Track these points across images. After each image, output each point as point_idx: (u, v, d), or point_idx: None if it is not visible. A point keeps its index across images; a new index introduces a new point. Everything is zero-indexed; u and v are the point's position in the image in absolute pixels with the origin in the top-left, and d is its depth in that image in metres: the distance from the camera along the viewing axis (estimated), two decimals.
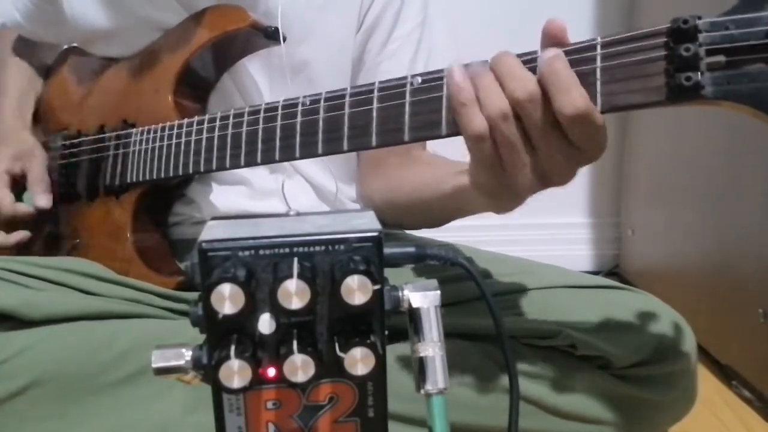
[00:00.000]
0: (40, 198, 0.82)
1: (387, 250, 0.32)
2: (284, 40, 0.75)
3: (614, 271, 1.79)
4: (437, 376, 0.33)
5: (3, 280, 0.64)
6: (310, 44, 0.80)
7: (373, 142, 0.54)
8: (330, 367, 0.32)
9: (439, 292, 0.33)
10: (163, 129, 0.73)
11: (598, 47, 0.45)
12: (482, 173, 0.50)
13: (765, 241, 1.08)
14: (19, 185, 0.84)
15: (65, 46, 0.95)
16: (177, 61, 0.76)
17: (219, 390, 0.31)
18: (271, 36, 0.74)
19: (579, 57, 0.46)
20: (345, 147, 0.56)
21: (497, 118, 0.46)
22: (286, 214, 0.37)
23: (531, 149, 0.47)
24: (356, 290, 0.30)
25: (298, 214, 0.38)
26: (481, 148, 0.48)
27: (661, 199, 1.54)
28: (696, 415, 0.71)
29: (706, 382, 1.16)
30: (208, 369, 0.31)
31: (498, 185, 0.50)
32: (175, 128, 0.71)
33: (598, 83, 0.45)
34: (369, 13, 0.83)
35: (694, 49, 0.42)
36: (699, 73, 0.42)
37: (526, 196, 0.52)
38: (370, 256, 0.31)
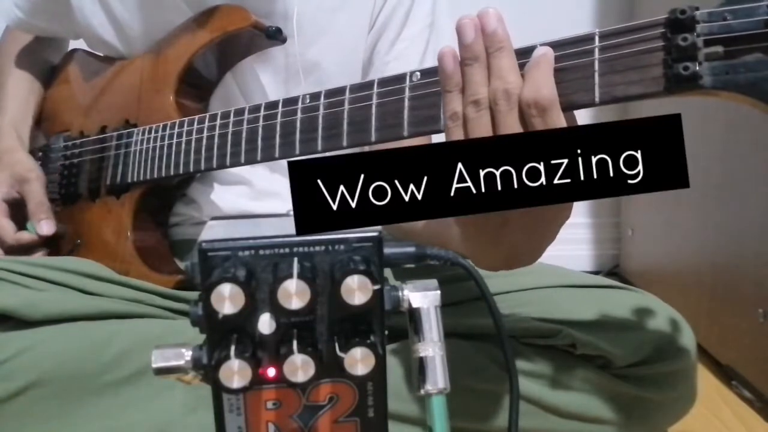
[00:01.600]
0: (43, 225, 0.81)
1: (387, 250, 0.32)
2: (285, 41, 0.75)
3: (614, 271, 1.79)
4: (437, 376, 0.33)
5: (3, 281, 0.64)
6: (322, 45, 0.80)
7: (373, 138, 0.54)
8: (330, 367, 0.32)
9: (439, 291, 0.33)
10: (164, 128, 0.73)
11: (596, 39, 0.46)
12: None
13: (764, 241, 1.08)
14: (19, 209, 0.83)
15: (70, 48, 0.95)
16: (179, 61, 0.76)
17: (219, 390, 0.31)
18: (273, 36, 0.74)
19: (577, 50, 0.46)
20: (344, 143, 0.56)
21: (470, 107, 0.46)
22: (286, 214, 0.37)
23: None
24: (356, 290, 0.30)
25: None
26: (454, 131, 0.47)
27: (661, 199, 1.54)
28: (696, 415, 0.71)
29: (706, 382, 1.16)
30: (208, 369, 0.31)
31: None
32: (176, 127, 0.71)
33: (596, 75, 0.45)
34: (381, 13, 0.83)
35: (692, 39, 0.42)
36: (697, 63, 0.42)
37: (496, 238, 0.49)
38: (370, 256, 0.31)
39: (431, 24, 0.85)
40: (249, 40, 0.76)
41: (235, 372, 0.30)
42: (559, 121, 0.44)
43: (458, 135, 0.47)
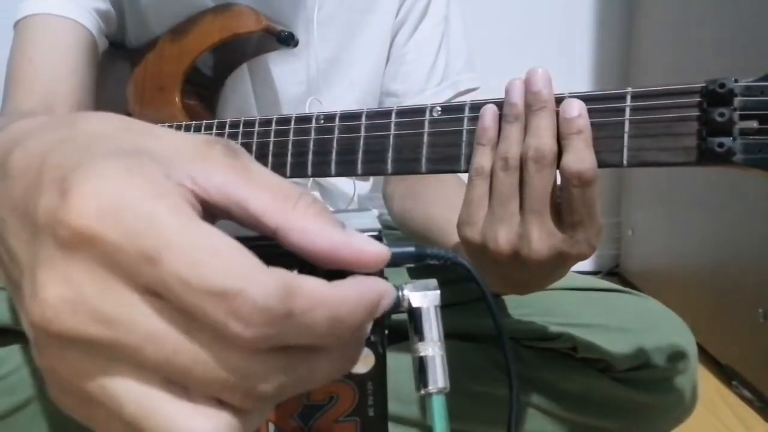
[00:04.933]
0: None
1: None
2: (297, 45, 0.75)
3: (614, 271, 1.79)
4: (437, 376, 0.33)
5: (3, 290, 0.63)
6: (354, 48, 0.81)
7: (389, 170, 0.53)
8: None
9: (438, 291, 0.33)
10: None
11: (628, 98, 0.45)
12: (466, 211, 0.49)
13: (765, 241, 1.08)
14: None
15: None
16: (184, 59, 0.75)
17: None
18: (285, 41, 0.74)
19: (607, 106, 0.45)
20: (359, 170, 0.55)
21: (500, 162, 0.46)
22: None
23: (520, 208, 0.46)
24: None
25: None
26: (476, 185, 0.47)
27: (661, 199, 1.55)
28: (696, 415, 0.71)
29: (706, 382, 1.16)
30: None
31: (477, 235, 0.48)
32: (182, 131, 0.70)
33: (626, 136, 0.44)
34: (403, 6, 0.84)
35: (729, 115, 0.41)
36: (731, 138, 0.41)
37: (498, 276, 0.49)
38: None
39: (446, 17, 0.86)
40: (258, 42, 0.76)
41: None
42: (596, 194, 0.44)
43: (481, 189, 0.47)
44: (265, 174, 0.25)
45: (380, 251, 0.25)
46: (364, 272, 0.25)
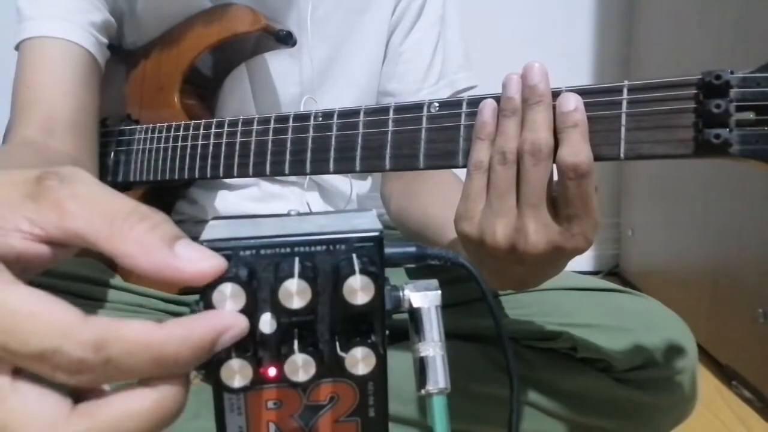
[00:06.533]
0: None
1: (388, 250, 0.32)
2: (295, 44, 0.75)
3: (614, 271, 1.79)
4: (438, 376, 0.33)
5: None
6: (350, 47, 0.81)
7: (387, 166, 0.53)
8: (331, 367, 0.32)
9: (439, 291, 0.33)
10: (168, 129, 0.72)
11: (625, 91, 0.45)
12: (463, 205, 0.49)
13: (765, 241, 1.08)
14: None
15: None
16: (183, 59, 0.75)
17: (220, 390, 0.31)
18: (283, 40, 0.74)
19: (604, 100, 0.45)
20: (357, 167, 0.55)
21: (497, 156, 0.46)
22: (287, 214, 0.37)
23: (517, 202, 0.46)
24: (357, 290, 0.30)
25: (299, 213, 0.38)
26: (475, 179, 0.48)
27: (661, 199, 1.55)
28: (696, 415, 0.71)
29: (706, 382, 1.16)
30: (209, 368, 0.31)
31: (474, 229, 0.48)
32: (181, 130, 0.71)
33: (623, 129, 0.44)
34: (398, 6, 0.84)
35: (725, 106, 0.41)
36: (728, 129, 0.41)
37: (497, 271, 0.50)
38: (372, 255, 0.31)
39: (442, 17, 0.86)
40: (257, 41, 0.76)
41: (236, 371, 0.29)
42: (591, 187, 0.44)
43: (479, 183, 0.48)
44: (94, 199, 0.27)
45: (200, 269, 0.27)
46: None
